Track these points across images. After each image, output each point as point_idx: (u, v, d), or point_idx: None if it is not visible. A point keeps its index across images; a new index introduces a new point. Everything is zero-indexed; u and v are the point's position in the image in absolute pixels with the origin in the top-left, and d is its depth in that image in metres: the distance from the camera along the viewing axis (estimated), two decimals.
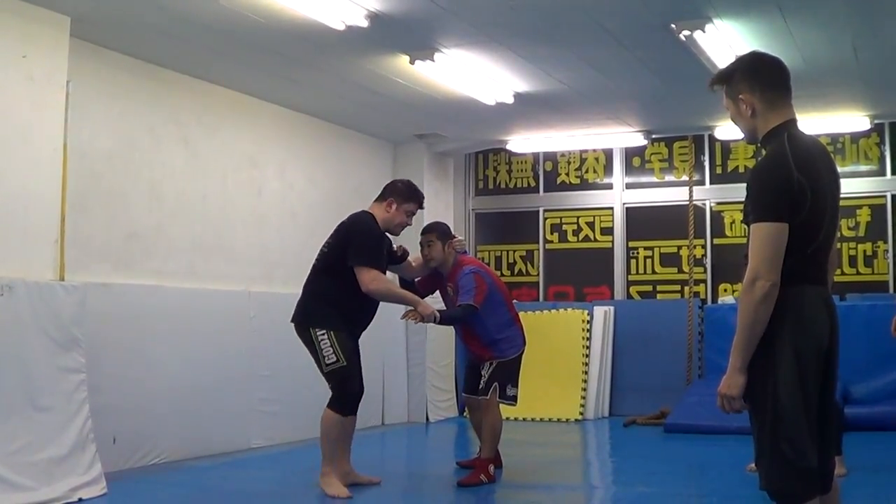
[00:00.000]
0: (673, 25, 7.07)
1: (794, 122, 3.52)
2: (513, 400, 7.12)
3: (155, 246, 8.03)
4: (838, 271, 10.60)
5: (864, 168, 11.19)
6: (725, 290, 11.53)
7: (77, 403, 6.36)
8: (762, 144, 3.54)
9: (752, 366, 3.35)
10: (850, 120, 10.26)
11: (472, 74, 8.36)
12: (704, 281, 11.69)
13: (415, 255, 7.23)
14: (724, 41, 7.30)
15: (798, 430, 3.31)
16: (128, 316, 7.46)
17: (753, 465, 6.55)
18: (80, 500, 6.14)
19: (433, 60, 7.73)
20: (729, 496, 6.59)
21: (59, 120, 6.64)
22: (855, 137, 11.13)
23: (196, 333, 8.07)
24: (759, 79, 3.53)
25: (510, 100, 9.09)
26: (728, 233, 11.63)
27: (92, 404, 6.49)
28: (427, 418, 10.98)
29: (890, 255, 10.82)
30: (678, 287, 11.81)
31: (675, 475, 7.77)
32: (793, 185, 3.31)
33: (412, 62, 7.81)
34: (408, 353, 11.03)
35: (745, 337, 3.33)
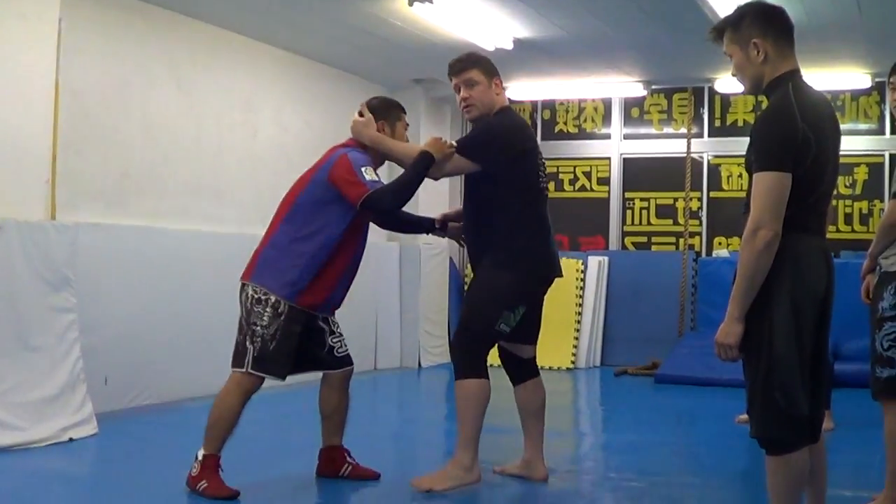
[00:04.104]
0: None
1: (798, 71, 3.52)
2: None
3: (148, 186, 7.99)
4: (833, 228, 10.59)
5: (863, 126, 11.13)
6: (720, 244, 11.52)
7: (68, 343, 6.35)
8: (766, 92, 3.52)
9: (749, 314, 3.36)
10: (852, 77, 10.20)
11: (471, 19, 8.28)
12: (699, 233, 11.68)
13: None
14: None
15: (791, 378, 3.34)
16: (120, 256, 7.44)
17: (743, 416, 6.62)
18: (71, 439, 6.15)
19: (432, 3, 7.63)
20: (717, 446, 6.65)
21: (50, 58, 6.54)
22: (855, 95, 11.05)
23: (189, 275, 8.05)
24: (772, 24, 3.51)
25: (509, 45, 8.99)
26: (725, 186, 11.60)
27: (83, 344, 6.48)
28: (419, 364, 11.01)
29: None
30: (673, 239, 11.80)
31: (664, 424, 7.84)
32: (797, 136, 3.31)
33: (411, 4, 7.69)
34: (401, 298, 11.04)
35: (744, 286, 3.34)
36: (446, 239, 5.88)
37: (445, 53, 9.65)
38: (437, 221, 5.54)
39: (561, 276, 5.33)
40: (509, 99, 11.66)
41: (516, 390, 5.36)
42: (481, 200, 5.12)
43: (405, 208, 5.13)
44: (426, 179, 5.02)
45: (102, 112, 7.55)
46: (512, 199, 5.03)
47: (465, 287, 11.43)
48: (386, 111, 5.24)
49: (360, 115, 5.17)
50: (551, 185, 12.28)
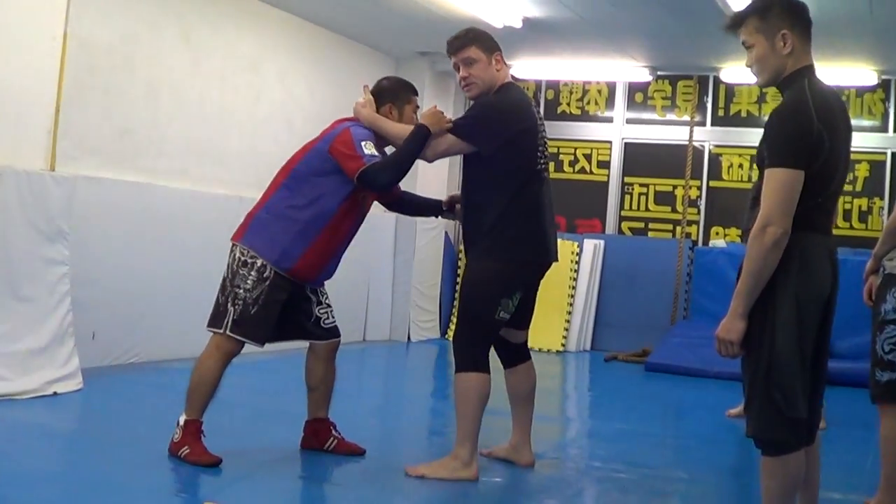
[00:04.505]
0: None
1: (813, 67, 3.48)
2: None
3: (148, 144, 7.91)
4: None
5: (867, 123, 11.06)
6: (717, 234, 11.47)
7: (59, 296, 6.31)
8: (781, 86, 3.46)
9: (752, 311, 3.32)
10: (858, 73, 10.13)
11: None
12: (697, 222, 11.62)
13: None
14: None
15: (791, 379, 3.31)
16: (116, 212, 7.38)
17: (733, 409, 6.59)
18: (56, 393, 6.11)
19: None
20: (706, 440, 6.59)
21: (60, 8, 6.46)
22: (860, 91, 10.99)
23: (183, 235, 7.99)
24: (799, 17, 3.45)
25: (518, 24, 8.93)
26: (725, 176, 11.51)
27: (73, 298, 6.43)
28: (409, 337, 10.97)
29: (885, 211, 10.74)
30: (670, 226, 11.75)
31: (653, 414, 7.81)
32: (812, 133, 3.27)
33: None
34: (394, 271, 10.98)
35: (749, 283, 3.29)
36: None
37: (453, 27, 9.51)
38: (444, 204, 5.44)
39: (556, 260, 5.23)
40: (514, 77, 11.68)
41: (507, 374, 5.27)
42: (475, 181, 4.99)
43: (411, 189, 5.03)
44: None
45: (108, 66, 7.46)
46: (507, 181, 4.86)
47: (459, 262, 11.42)
48: (394, 94, 5.14)
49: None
50: (551, 166, 12.25)
